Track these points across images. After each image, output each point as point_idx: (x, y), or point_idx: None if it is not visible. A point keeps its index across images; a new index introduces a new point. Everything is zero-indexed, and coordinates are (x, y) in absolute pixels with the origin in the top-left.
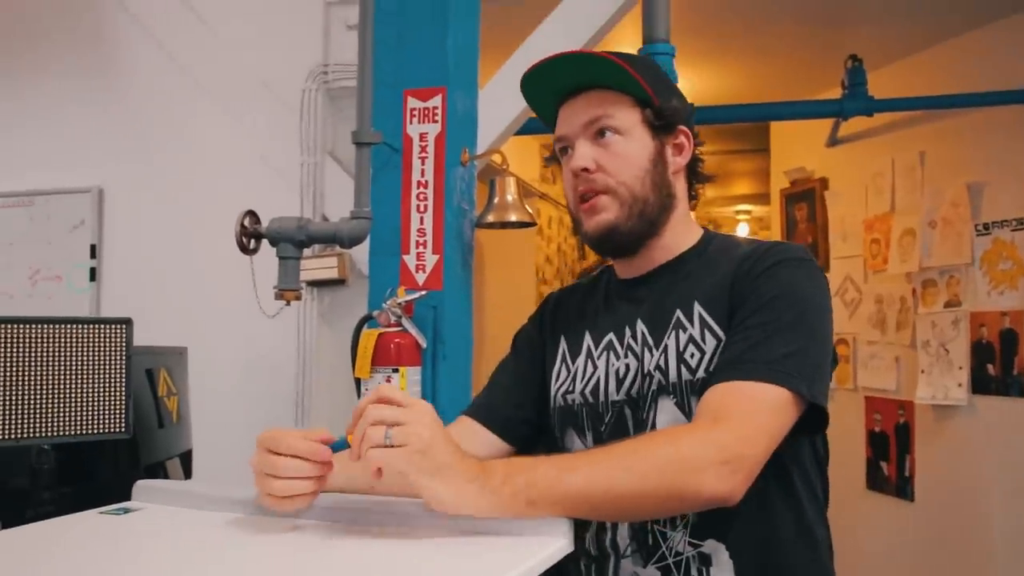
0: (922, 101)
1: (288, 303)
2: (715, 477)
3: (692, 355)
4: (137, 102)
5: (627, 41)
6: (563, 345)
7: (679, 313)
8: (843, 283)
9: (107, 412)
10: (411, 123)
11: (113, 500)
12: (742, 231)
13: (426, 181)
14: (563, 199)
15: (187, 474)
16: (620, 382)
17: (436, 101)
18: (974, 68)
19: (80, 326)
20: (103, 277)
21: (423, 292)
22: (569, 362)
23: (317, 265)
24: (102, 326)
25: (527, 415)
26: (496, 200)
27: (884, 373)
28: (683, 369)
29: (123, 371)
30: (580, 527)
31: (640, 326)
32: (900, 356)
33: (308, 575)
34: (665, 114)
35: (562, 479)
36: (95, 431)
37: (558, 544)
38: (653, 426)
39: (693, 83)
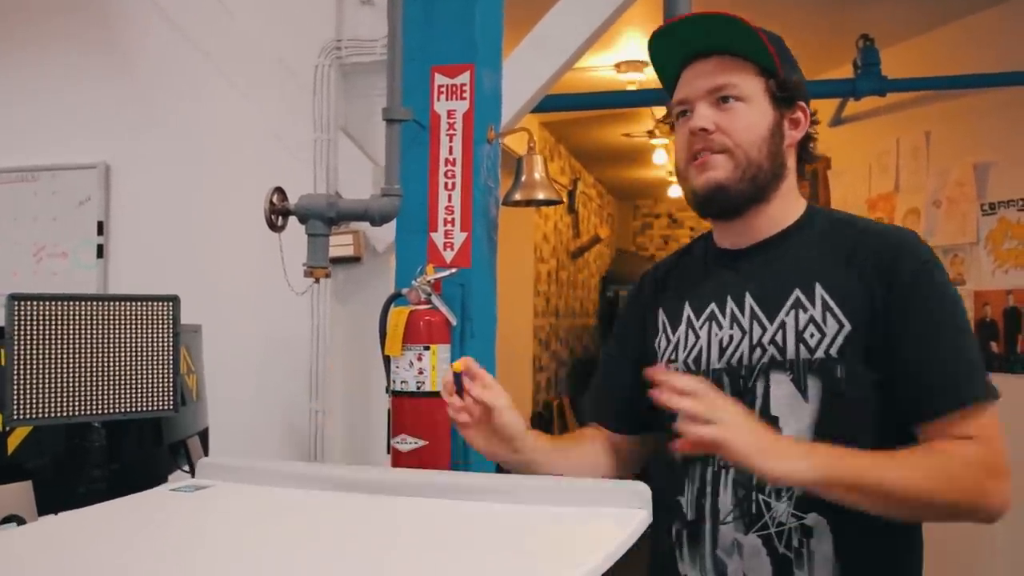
0: (934, 81)
1: (317, 280)
2: (998, 493)
3: (812, 335)
4: (145, 77)
5: (643, 19)
6: (662, 317)
7: (798, 293)
8: None
9: (155, 389)
10: (439, 100)
11: (145, 477)
12: None
13: (454, 159)
14: (561, 178)
15: (205, 452)
16: (723, 351)
17: (464, 78)
18: (983, 48)
19: (128, 303)
20: (110, 254)
21: (453, 270)
22: (670, 333)
23: (332, 242)
24: (150, 304)
25: (637, 400)
26: (524, 178)
27: None
28: (802, 348)
29: (170, 348)
30: (674, 492)
31: (748, 299)
32: None
33: (388, 547)
34: (788, 86)
35: (870, 472)
36: (144, 408)
37: (640, 516)
38: (766, 398)
39: None
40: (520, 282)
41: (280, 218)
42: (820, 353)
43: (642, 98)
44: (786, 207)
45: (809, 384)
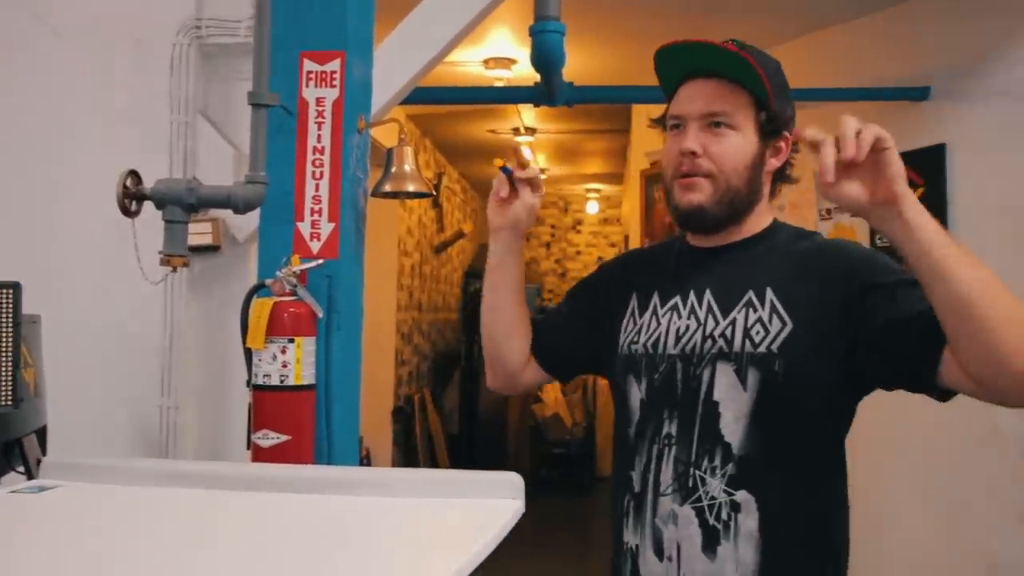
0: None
1: (174, 269)
2: None
3: (758, 332)
4: None
5: (513, 16)
6: (634, 301)
7: (751, 294)
8: None
9: None
10: (307, 87)
11: None
12: (592, 209)
13: (322, 147)
14: (426, 172)
15: (43, 451)
16: (678, 339)
17: (335, 65)
18: (828, 63)
19: None
20: None
21: (320, 261)
22: (637, 316)
23: (190, 230)
24: None
25: (568, 353)
26: (394, 169)
27: None
28: (747, 343)
29: (10, 340)
30: (627, 467)
31: (707, 295)
32: None
33: (257, 545)
34: (777, 120)
35: (967, 259)
36: None
37: (514, 506)
38: (710, 385)
39: (570, 61)
40: (383, 275)
41: (134, 203)
42: (762, 348)
43: (509, 95)
44: (755, 220)
45: (749, 375)
